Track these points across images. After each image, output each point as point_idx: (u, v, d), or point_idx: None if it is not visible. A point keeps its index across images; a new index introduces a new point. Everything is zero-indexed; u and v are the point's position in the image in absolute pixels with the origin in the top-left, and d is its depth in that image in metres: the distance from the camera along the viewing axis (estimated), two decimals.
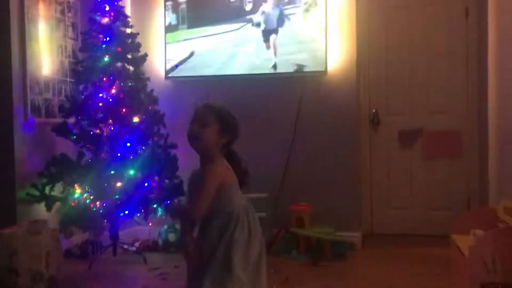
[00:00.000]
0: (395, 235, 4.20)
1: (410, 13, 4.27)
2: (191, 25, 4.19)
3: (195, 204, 1.87)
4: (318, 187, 3.98)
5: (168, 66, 4.23)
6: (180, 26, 4.21)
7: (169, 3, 4.19)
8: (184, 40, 4.19)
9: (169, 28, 4.21)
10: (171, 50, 4.21)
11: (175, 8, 4.20)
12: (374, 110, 4.34)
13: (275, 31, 4.02)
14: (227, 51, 4.13)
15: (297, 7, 3.96)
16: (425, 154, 4.29)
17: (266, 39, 4.04)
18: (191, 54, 4.20)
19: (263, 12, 4.05)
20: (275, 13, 4.02)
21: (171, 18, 4.21)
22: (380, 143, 4.35)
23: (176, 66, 4.23)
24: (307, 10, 3.95)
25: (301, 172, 4.03)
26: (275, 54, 4.02)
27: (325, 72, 3.93)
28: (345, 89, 3.96)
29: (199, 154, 1.96)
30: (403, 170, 4.30)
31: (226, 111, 1.96)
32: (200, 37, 4.17)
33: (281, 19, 4.00)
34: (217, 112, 1.92)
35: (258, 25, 4.06)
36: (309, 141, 4.04)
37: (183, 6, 4.19)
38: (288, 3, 3.99)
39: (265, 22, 4.04)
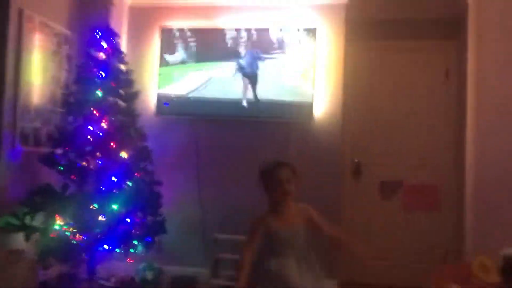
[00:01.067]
0: (373, 285, 4.22)
1: (394, 70, 4.47)
2: (186, 62, 4.28)
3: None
4: None
5: (160, 103, 4.28)
6: (172, 62, 4.29)
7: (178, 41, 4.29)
8: (178, 78, 4.27)
9: (163, 63, 4.29)
10: (163, 87, 4.28)
11: (171, 46, 4.30)
12: (356, 160, 4.45)
13: (255, 76, 4.13)
14: (216, 93, 4.21)
15: (282, 53, 4.09)
16: (405, 207, 4.38)
17: (247, 83, 4.15)
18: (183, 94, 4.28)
19: (244, 55, 4.17)
20: (255, 58, 4.15)
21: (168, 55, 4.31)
22: (361, 193, 4.44)
23: (166, 104, 4.29)
24: (294, 56, 4.08)
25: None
26: (255, 97, 4.11)
27: (311, 120, 4.03)
28: (330, 138, 4.06)
29: (282, 196, 2.47)
30: (383, 221, 4.38)
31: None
32: (192, 73, 4.26)
33: (262, 64, 4.13)
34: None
35: (242, 68, 4.17)
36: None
37: (181, 44, 4.29)
38: (274, 49, 4.11)
39: (248, 66, 4.16)
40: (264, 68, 4.11)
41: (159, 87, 4.28)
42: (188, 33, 4.26)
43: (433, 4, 4.23)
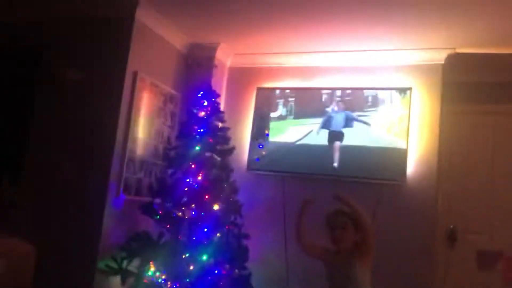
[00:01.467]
0: None
1: (495, 133, 4.28)
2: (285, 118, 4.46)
3: None
4: None
5: (251, 161, 4.45)
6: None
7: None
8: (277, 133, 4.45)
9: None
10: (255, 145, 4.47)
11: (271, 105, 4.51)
12: (451, 226, 4.24)
13: (340, 137, 4.18)
14: (306, 148, 4.30)
15: (375, 111, 4.11)
16: (506, 279, 4.06)
17: (331, 143, 4.20)
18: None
19: (335, 114, 4.25)
20: (348, 120, 4.21)
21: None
22: (456, 262, 4.19)
23: (257, 159, 4.44)
24: (387, 116, 4.08)
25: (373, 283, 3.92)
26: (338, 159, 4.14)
27: (404, 182, 3.95)
28: (423, 202, 3.93)
29: (333, 243, 2.71)
30: None
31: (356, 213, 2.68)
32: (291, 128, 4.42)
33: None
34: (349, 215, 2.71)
35: (328, 126, 4.26)
36: (382, 255, 3.94)
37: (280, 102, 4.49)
38: (367, 107, 4.15)
39: (337, 125, 4.23)
40: (357, 127, 4.14)
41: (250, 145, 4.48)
42: (288, 92, 4.45)
43: None
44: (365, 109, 4.15)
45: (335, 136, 4.22)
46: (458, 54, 4.01)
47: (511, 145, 4.22)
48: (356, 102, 4.19)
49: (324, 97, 4.32)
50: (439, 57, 4.05)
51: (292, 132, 4.38)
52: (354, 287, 2.70)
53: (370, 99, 4.15)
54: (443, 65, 4.06)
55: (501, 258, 4.09)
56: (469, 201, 4.25)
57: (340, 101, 4.25)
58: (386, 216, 3.96)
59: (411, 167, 3.99)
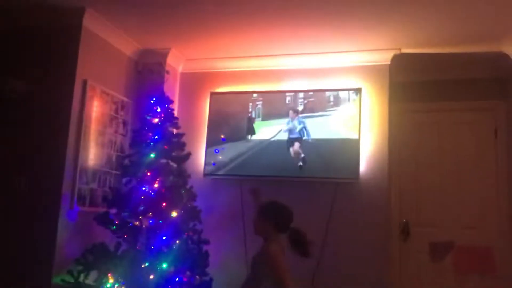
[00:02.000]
0: None
1: (441, 129, 4.47)
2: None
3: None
4: None
5: (207, 166, 4.44)
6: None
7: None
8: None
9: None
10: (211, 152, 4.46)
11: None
12: (404, 220, 4.39)
13: (299, 139, 4.25)
14: (263, 152, 4.34)
15: (328, 115, 4.21)
16: (456, 269, 4.23)
17: (290, 145, 4.27)
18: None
19: (289, 121, 4.32)
20: (299, 124, 4.28)
21: None
22: (410, 254, 4.34)
23: (213, 164, 4.44)
24: (340, 116, 4.17)
25: (330, 279, 4.00)
26: (302, 159, 4.20)
27: (357, 180, 4.05)
28: (376, 198, 4.05)
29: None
30: (434, 283, 4.23)
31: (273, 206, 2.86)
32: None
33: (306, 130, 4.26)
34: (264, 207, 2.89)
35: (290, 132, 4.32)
36: (338, 250, 4.05)
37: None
38: (321, 110, 4.24)
39: (289, 130, 4.30)
40: (314, 127, 4.22)
41: (206, 150, 4.47)
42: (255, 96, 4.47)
43: (477, 64, 4.28)
44: (327, 109, 4.22)
45: (295, 139, 4.28)
46: (403, 54, 4.16)
47: (455, 140, 4.42)
48: (318, 102, 4.25)
49: (288, 99, 4.36)
50: (386, 57, 4.19)
51: (263, 132, 4.40)
52: None
53: (332, 98, 4.22)
54: (390, 66, 4.21)
55: (452, 248, 4.26)
56: (420, 195, 4.41)
57: (304, 102, 4.30)
58: (342, 213, 4.06)
59: (364, 166, 4.10)
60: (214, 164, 4.44)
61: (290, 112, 4.32)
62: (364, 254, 3.98)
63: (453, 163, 4.38)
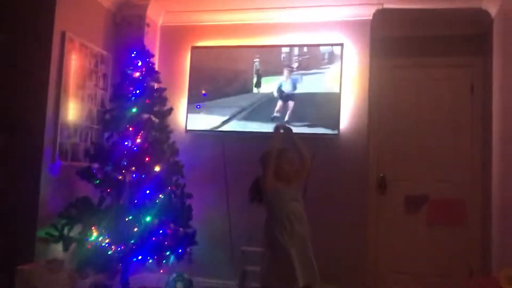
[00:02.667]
0: None
1: (419, 85, 4.53)
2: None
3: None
4: (322, 245, 4.06)
5: (189, 123, 4.44)
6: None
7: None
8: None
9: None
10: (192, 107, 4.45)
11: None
12: (381, 175, 4.52)
13: (291, 97, 4.28)
14: (244, 111, 4.36)
15: (314, 73, 4.22)
16: (430, 221, 4.41)
17: (285, 105, 4.29)
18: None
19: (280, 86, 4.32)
20: (289, 84, 4.30)
21: None
22: (386, 207, 4.50)
23: (198, 106, 4.42)
24: (322, 76, 4.20)
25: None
26: (288, 116, 4.24)
27: (337, 135, 4.13)
28: (355, 153, 4.15)
29: None
30: (408, 235, 4.41)
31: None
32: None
33: (295, 86, 4.27)
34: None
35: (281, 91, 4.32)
36: (318, 202, 4.14)
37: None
38: (305, 69, 4.25)
39: (279, 91, 4.31)
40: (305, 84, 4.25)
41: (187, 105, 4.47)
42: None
43: (457, 20, 4.31)
44: (321, 66, 4.22)
45: (288, 96, 4.29)
46: (385, 9, 4.15)
47: (433, 95, 4.50)
48: (312, 59, 4.23)
49: (283, 56, 4.33)
50: (368, 12, 4.18)
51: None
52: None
53: (326, 56, 4.21)
54: (371, 21, 4.21)
55: (427, 201, 4.43)
56: (397, 150, 4.52)
57: (298, 60, 4.28)
58: (322, 168, 4.15)
59: (344, 121, 4.17)
60: (198, 106, 4.42)
61: (285, 70, 4.30)
62: (343, 207, 4.11)
63: (430, 119, 4.47)
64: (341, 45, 4.18)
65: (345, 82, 4.19)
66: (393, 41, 4.51)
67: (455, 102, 4.45)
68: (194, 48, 4.50)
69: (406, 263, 4.38)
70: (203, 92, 4.44)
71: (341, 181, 4.14)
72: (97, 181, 3.61)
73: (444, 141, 4.43)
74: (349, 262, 4.06)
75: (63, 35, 3.65)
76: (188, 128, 4.43)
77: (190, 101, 4.46)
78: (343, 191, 4.13)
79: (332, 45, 4.19)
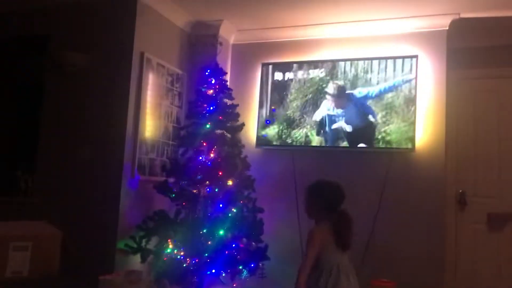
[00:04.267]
0: None
1: (500, 96, 4.31)
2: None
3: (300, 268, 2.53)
4: (401, 265, 3.93)
5: (259, 137, 4.49)
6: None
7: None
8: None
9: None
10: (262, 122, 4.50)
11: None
12: (460, 191, 4.31)
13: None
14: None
15: (384, 83, 4.13)
16: None
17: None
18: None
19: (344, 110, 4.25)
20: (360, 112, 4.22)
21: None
22: (466, 225, 4.27)
23: (267, 121, 4.46)
24: (397, 88, 4.10)
25: (384, 249, 4.01)
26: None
27: (413, 149, 4.00)
28: (432, 168, 3.98)
29: None
30: (491, 254, 4.16)
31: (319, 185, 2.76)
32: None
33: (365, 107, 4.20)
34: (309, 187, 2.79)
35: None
36: (394, 218, 4.03)
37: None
38: (377, 80, 4.17)
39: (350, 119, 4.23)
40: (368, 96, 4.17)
41: (258, 121, 4.52)
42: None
43: None
44: (374, 83, 4.16)
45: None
46: (462, 19, 4.01)
47: None
48: (387, 73, 4.16)
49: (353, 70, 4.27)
50: (444, 23, 4.05)
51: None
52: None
53: (379, 71, 4.14)
54: (448, 31, 4.07)
55: (511, 220, 4.16)
56: (477, 165, 4.31)
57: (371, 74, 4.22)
58: (397, 184, 4.03)
59: (420, 136, 4.03)
60: (268, 121, 4.46)
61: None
62: (420, 223, 3.96)
63: None
64: (416, 57, 4.07)
65: (420, 95, 4.06)
66: (471, 52, 4.34)
67: None
68: (264, 65, 4.57)
69: (487, 284, 4.12)
70: (273, 107, 4.48)
71: (418, 197, 3.99)
72: (173, 195, 3.73)
73: None
74: (427, 282, 3.88)
75: (142, 55, 3.84)
76: (259, 143, 4.48)
77: (260, 117, 4.51)
78: (420, 208, 3.97)
79: (406, 57, 4.08)
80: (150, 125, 3.99)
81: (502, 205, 4.20)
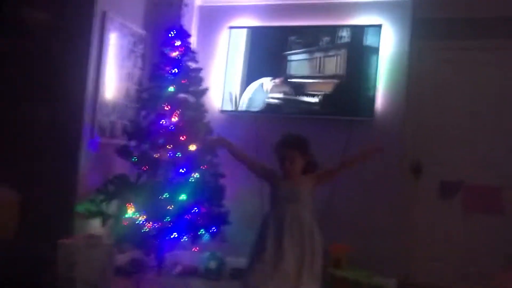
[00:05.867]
0: (431, 286, 4.20)
1: (462, 68, 4.38)
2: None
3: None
4: (358, 230, 4.06)
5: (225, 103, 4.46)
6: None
7: None
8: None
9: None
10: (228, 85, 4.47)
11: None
12: (416, 159, 4.44)
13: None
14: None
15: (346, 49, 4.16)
16: (465, 208, 4.32)
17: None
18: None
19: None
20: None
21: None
22: (421, 192, 4.42)
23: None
24: (358, 54, 4.13)
25: (342, 214, 4.12)
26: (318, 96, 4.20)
27: (372, 118, 4.07)
28: (390, 136, 4.09)
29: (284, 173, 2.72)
30: (443, 221, 4.34)
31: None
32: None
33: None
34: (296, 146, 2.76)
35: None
36: (352, 185, 4.14)
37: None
38: (339, 47, 4.18)
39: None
40: (328, 65, 4.18)
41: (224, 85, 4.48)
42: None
43: (504, 2, 4.14)
44: (336, 49, 4.17)
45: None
46: None
47: (474, 80, 4.36)
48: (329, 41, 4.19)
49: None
50: None
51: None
52: (297, 206, 2.67)
53: (341, 38, 4.15)
54: (413, 1, 4.09)
55: (462, 187, 4.33)
56: (435, 135, 4.41)
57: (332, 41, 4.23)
58: (356, 151, 4.11)
59: (380, 104, 4.10)
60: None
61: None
62: (377, 190, 4.08)
63: (469, 103, 4.35)
64: (379, 26, 4.09)
65: (383, 64, 4.11)
66: (435, 22, 4.37)
67: (500, 88, 4.30)
68: (231, 28, 4.49)
69: (441, 251, 4.31)
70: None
71: (375, 165, 4.09)
72: (135, 159, 3.68)
73: (484, 126, 4.28)
74: (384, 249, 4.04)
75: (103, 14, 3.70)
76: (223, 108, 4.45)
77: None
78: (377, 176, 4.09)
79: (370, 26, 4.10)
80: (112, 86, 3.88)
81: (455, 173, 4.35)
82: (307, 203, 2.70)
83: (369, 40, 4.09)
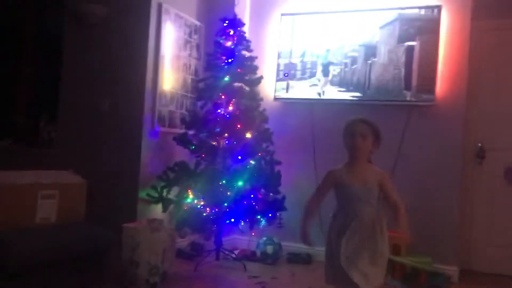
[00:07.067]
0: (494, 275, 4.07)
1: None
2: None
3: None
4: (418, 216, 3.98)
5: (278, 89, 4.48)
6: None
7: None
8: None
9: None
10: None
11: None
12: (479, 145, 4.29)
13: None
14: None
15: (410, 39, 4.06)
16: None
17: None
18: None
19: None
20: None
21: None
22: (484, 179, 4.27)
23: (286, 75, 4.45)
24: (420, 38, 4.02)
25: (402, 200, 4.04)
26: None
27: (433, 103, 3.96)
28: (452, 121, 3.97)
29: (353, 150, 2.44)
30: (507, 207, 4.18)
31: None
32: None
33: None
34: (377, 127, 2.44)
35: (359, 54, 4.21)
36: (411, 171, 4.05)
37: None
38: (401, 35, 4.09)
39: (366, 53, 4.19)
40: (388, 52, 4.10)
41: (277, 74, 4.49)
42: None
43: None
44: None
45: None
46: None
47: None
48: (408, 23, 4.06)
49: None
50: None
51: None
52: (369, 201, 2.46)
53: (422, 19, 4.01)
54: None
55: None
56: (498, 119, 4.25)
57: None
58: (415, 136, 4.03)
59: (441, 88, 3.98)
60: (286, 74, 4.44)
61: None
62: (437, 176, 3.98)
63: None
64: (439, 7, 3.96)
65: (443, 47, 3.98)
66: (496, 1, 4.18)
67: None
68: (283, 16, 4.49)
69: (505, 237, 4.16)
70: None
71: (436, 150, 4.00)
72: (193, 147, 3.80)
73: None
74: (443, 234, 3.95)
75: (159, 6, 3.81)
76: (276, 96, 4.48)
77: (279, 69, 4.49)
78: (438, 161, 3.99)
79: (429, 7, 3.97)
80: (169, 77, 4.00)
81: None
82: (375, 198, 2.46)
83: (429, 22, 3.96)
